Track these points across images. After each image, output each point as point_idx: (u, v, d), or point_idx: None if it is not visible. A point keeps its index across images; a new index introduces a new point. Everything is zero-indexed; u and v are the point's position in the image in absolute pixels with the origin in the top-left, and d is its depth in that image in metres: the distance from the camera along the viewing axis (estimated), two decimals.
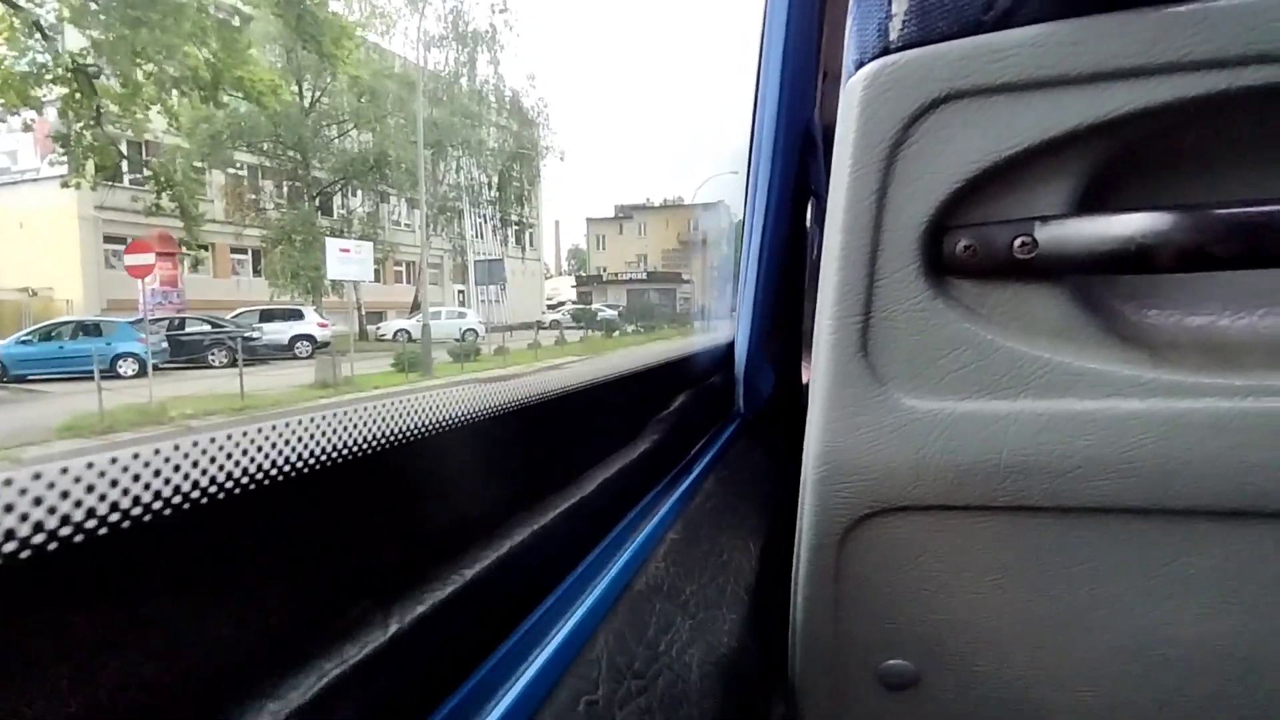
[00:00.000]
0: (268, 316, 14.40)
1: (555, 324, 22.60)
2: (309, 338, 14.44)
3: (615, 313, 25.34)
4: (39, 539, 0.21)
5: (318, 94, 15.78)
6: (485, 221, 22.28)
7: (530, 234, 28.85)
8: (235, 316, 14.42)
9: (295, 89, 15.46)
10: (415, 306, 20.79)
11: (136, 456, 0.25)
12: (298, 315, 14.63)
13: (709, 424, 1.05)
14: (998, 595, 0.56)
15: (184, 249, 12.83)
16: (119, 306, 14.92)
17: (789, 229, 1.26)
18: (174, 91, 11.09)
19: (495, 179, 21.08)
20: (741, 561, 0.65)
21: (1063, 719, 0.57)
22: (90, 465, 0.23)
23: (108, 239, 15.19)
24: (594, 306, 26.66)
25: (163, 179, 11.94)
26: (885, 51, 0.50)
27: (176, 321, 13.20)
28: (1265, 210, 0.46)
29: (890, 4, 0.50)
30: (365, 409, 0.36)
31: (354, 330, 18.84)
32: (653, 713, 0.41)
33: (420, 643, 0.33)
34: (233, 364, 12.33)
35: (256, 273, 16.91)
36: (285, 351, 13.65)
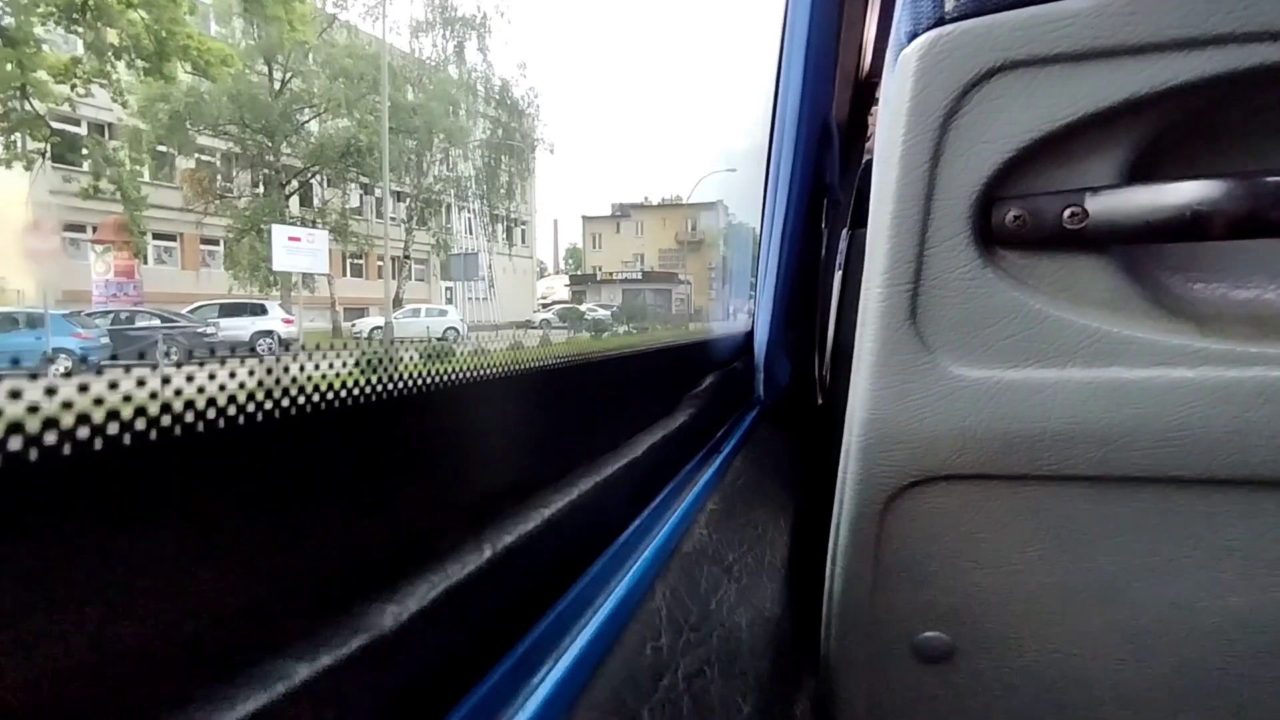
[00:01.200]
0: (228, 311, 13.66)
1: (546, 323, 21.45)
2: (271, 334, 13.63)
3: (607, 313, 24.16)
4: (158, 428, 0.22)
5: (289, 75, 14.50)
6: (474, 216, 21.04)
7: (523, 230, 27.67)
8: (193, 310, 13.23)
9: (264, 69, 14.27)
10: (397, 302, 19.59)
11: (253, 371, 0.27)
12: (261, 310, 13.97)
13: (733, 406, 1.07)
14: (1036, 566, 0.57)
15: (128, 236, 11.62)
16: (77, 298, 13.71)
17: (807, 224, 1.28)
18: (120, 64, 9.89)
19: (482, 171, 19.79)
20: (775, 536, 0.67)
21: (1097, 691, 0.57)
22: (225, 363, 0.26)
23: (67, 226, 13.98)
24: (583, 306, 25.49)
25: (100, 159, 10.71)
26: (940, 22, 0.51)
27: (124, 315, 12.02)
28: None
29: None
30: (473, 356, 0.40)
31: (330, 327, 17.63)
32: (710, 664, 0.42)
33: (510, 570, 0.35)
34: (187, 361, 11.50)
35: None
36: (246, 349, 12.65)
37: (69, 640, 0.20)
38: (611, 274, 31.28)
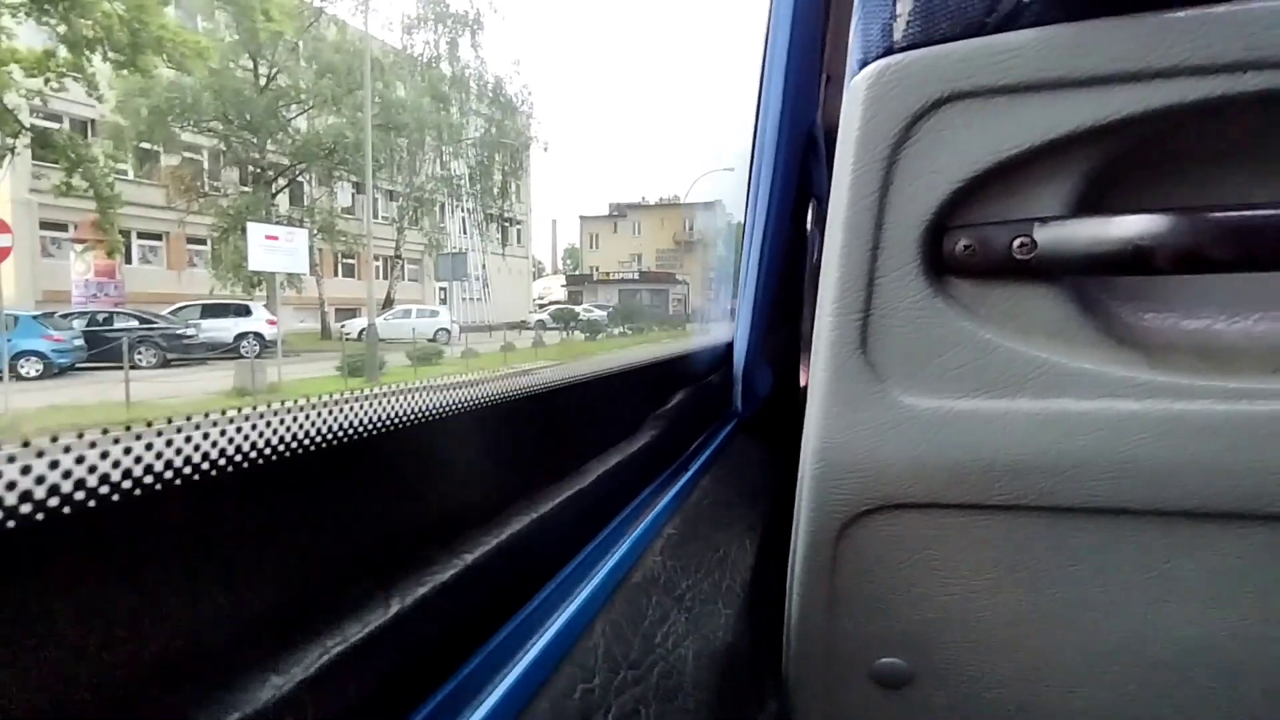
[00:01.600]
0: (210, 312, 13.48)
1: (541, 324, 21.07)
2: (257, 335, 13.31)
3: (604, 313, 23.78)
4: (40, 513, 0.22)
5: (274, 70, 14.10)
6: (468, 215, 20.67)
7: (518, 230, 27.35)
8: (174, 311, 12.90)
9: (250, 65, 13.86)
10: (389, 303, 19.23)
11: (140, 437, 0.26)
12: (244, 311, 13.77)
13: (706, 422, 1.05)
14: (992, 594, 0.57)
15: (102, 235, 11.23)
16: (57, 299, 13.31)
17: (789, 230, 1.27)
18: (94, 56, 9.50)
19: (475, 169, 19.41)
20: (738, 558, 0.66)
21: (1053, 718, 0.58)
22: (94, 444, 0.25)
23: (45, 225, 13.59)
24: (579, 307, 25.16)
25: (72, 155, 10.32)
26: (889, 51, 0.52)
27: (102, 317, 11.65)
28: (1261, 214, 0.48)
29: (895, 4, 0.52)
30: (376, 397, 0.38)
31: (318, 328, 17.24)
32: (647, 703, 0.42)
33: (421, 623, 0.34)
34: (165, 364, 11.44)
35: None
36: (230, 350, 12.65)
37: (57, 648, 0.21)
38: (608, 274, 31.11)
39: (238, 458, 0.29)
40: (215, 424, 0.29)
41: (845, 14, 1.15)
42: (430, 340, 15.84)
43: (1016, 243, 0.51)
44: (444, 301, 24.70)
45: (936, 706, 0.60)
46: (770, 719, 0.64)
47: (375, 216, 20.65)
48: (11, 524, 0.21)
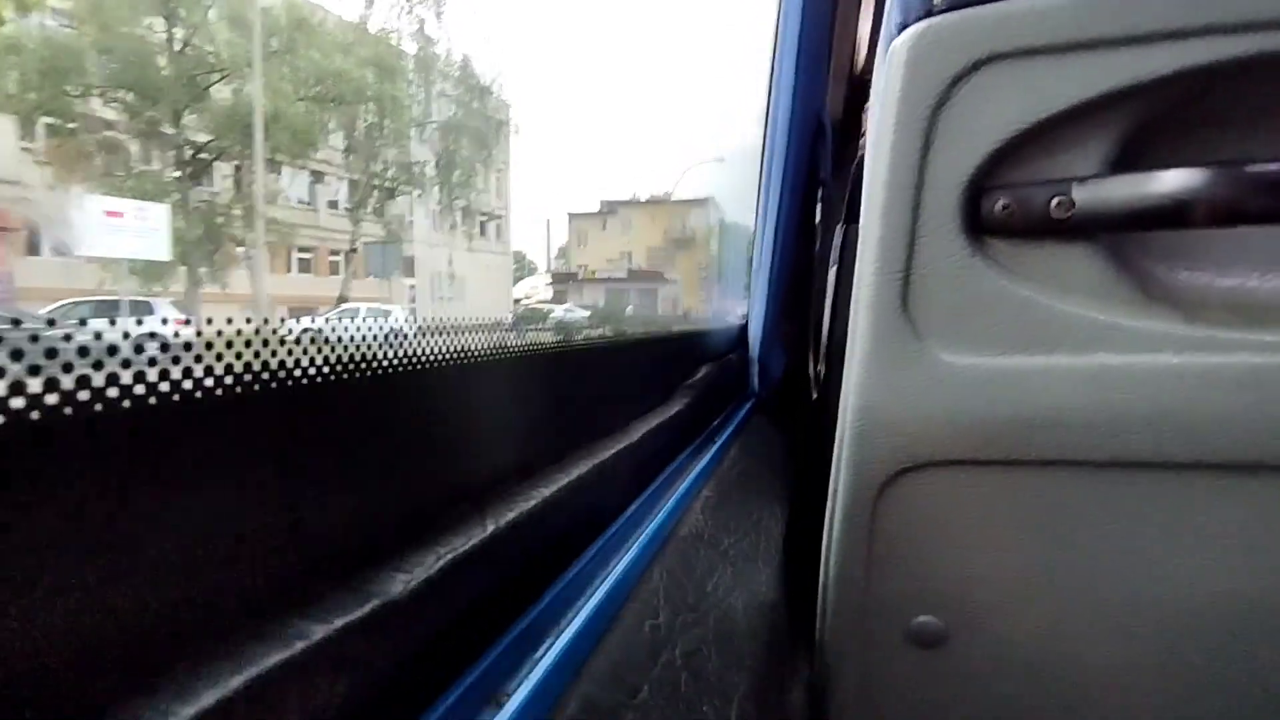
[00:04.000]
0: (105, 310, 10.53)
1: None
2: (157, 338, 10.61)
3: (584, 314, 21.35)
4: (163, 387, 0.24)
5: (190, 32, 11.82)
6: (438, 206, 18.38)
7: (497, 225, 25.04)
8: (56, 309, 10.45)
9: (158, 25, 11.59)
10: (342, 301, 16.88)
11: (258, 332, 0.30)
12: (145, 309, 10.78)
13: (728, 397, 1.09)
14: (1027, 551, 0.59)
15: None
16: None
17: (800, 218, 1.31)
18: None
19: (441, 156, 17.11)
20: (769, 523, 0.69)
21: (1087, 673, 0.59)
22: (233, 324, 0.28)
23: None
24: (560, 307, 22.79)
25: None
26: (929, 14, 0.53)
27: None
28: None
29: None
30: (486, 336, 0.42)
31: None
32: (708, 643, 0.44)
33: (510, 545, 0.37)
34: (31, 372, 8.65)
35: None
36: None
37: (91, 594, 0.21)
38: (594, 272, 28.75)
39: (362, 371, 0.32)
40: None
41: (848, 7, 1.24)
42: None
43: (1054, 202, 0.52)
44: (413, 300, 22.29)
45: (971, 664, 0.61)
46: (804, 679, 0.65)
47: (339, 208, 18.37)
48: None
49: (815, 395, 1.34)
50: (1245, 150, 0.52)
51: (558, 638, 0.36)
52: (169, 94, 12.40)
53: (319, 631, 0.25)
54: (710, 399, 0.88)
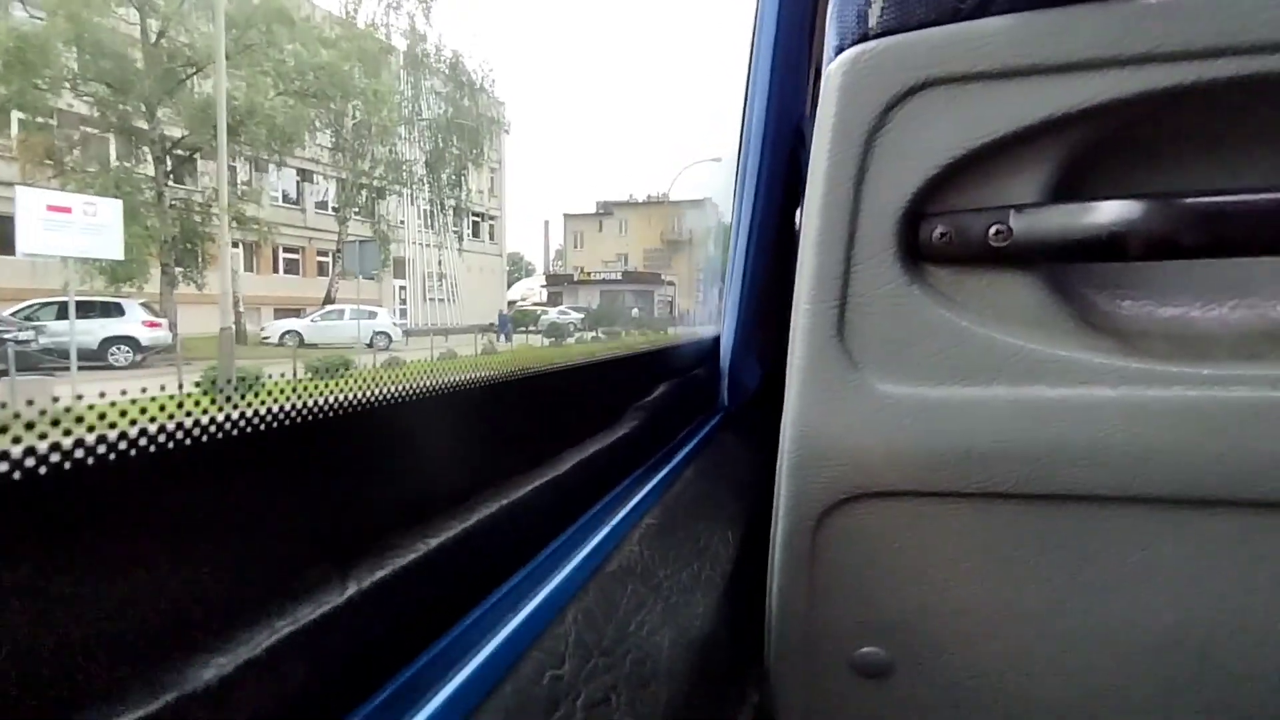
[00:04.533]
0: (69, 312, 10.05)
1: (492, 328, 18.27)
2: (129, 341, 10.65)
3: (577, 316, 20.95)
4: None
5: (166, 23, 11.32)
6: (428, 206, 17.91)
7: (490, 226, 24.63)
8: (19, 311, 10.03)
9: (132, 15, 11.10)
10: (329, 302, 16.44)
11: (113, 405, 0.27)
12: (115, 310, 11.04)
13: (692, 415, 1.05)
14: (970, 583, 0.58)
15: None
16: None
17: (777, 224, 1.26)
18: None
19: (431, 155, 16.64)
20: (719, 549, 0.66)
21: (1034, 708, 0.59)
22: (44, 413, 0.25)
23: None
24: (554, 310, 22.37)
25: None
26: (864, 38, 0.52)
27: None
28: (1234, 200, 0.49)
29: None
30: (348, 375, 0.39)
31: (238, 330, 14.36)
32: (618, 689, 0.42)
33: (379, 608, 0.34)
34: None
35: None
36: (96, 358, 9.88)
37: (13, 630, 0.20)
38: (589, 274, 28.42)
39: (190, 436, 0.29)
40: (163, 406, 0.28)
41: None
42: (368, 345, 13.37)
43: (992, 230, 0.52)
44: (404, 301, 21.80)
45: (918, 696, 0.60)
46: (751, 710, 0.64)
47: (328, 208, 17.88)
48: None
49: None
50: (1183, 181, 0.52)
51: (435, 695, 0.33)
52: (141, 87, 12.00)
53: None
54: (666, 418, 0.86)
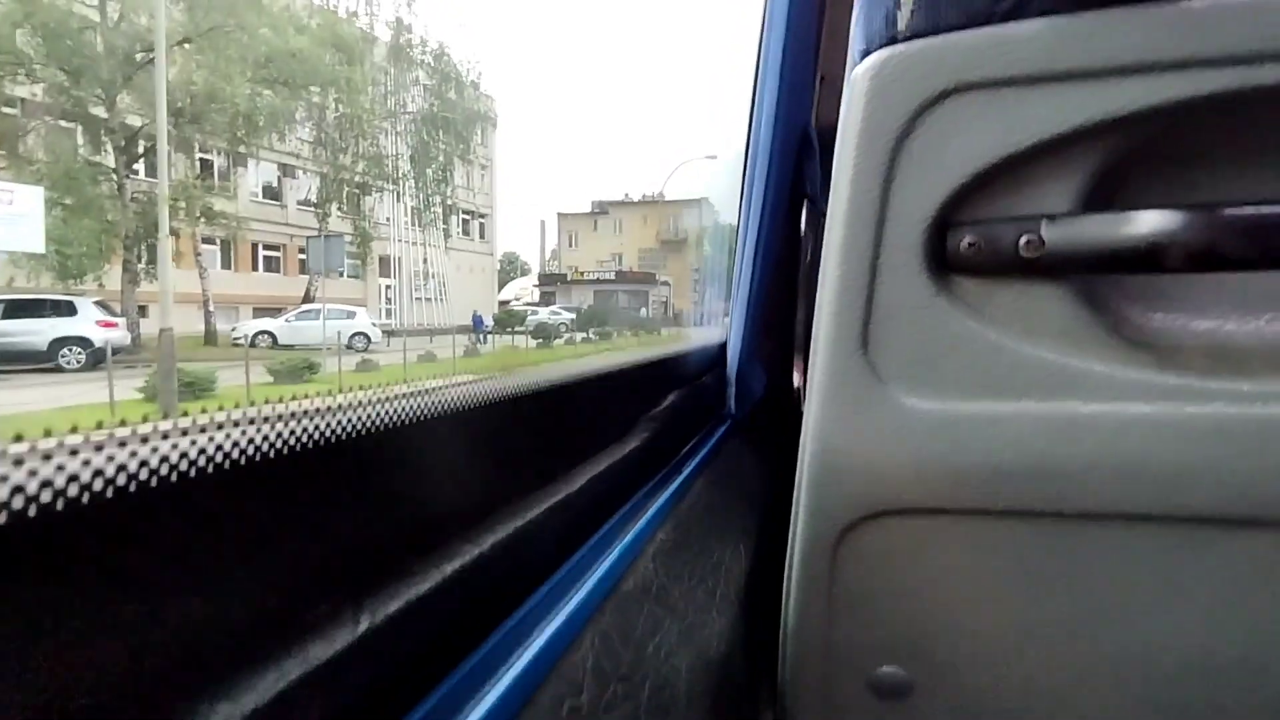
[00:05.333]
0: (17, 310, 9.74)
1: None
2: (81, 341, 9.80)
3: (569, 316, 20.29)
4: None
5: (125, 5, 10.58)
6: (418, 203, 17.24)
7: (481, 224, 24.00)
8: None
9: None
10: (307, 300, 15.77)
11: (95, 437, 0.24)
12: (66, 309, 10.11)
13: (699, 424, 1.03)
14: (995, 602, 0.57)
15: None
16: None
17: (784, 231, 1.24)
18: None
19: (416, 150, 15.93)
20: (732, 564, 0.64)
21: None
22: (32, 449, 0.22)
23: None
24: (546, 309, 21.72)
25: None
26: (893, 41, 0.51)
27: None
28: (1277, 211, 0.48)
29: None
30: (346, 397, 0.36)
31: (208, 330, 13.67)
32: (638, 718, 0.40)
33: (393, 642, 0.32)
34: None
35: None
36: (44, 360, 9.26)
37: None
38: (583, 274, 27.81)
39: (187, 463, 0.26)
40: (165, 433, 0.26)
41: (840, 13, 1.16)
42: (346, 346, 12.70)
43: (1023, 240, 0.50)
44: (390, 301, 21.12)
45: (937, 716, 0.59)
46: None
47: (309, 203, 17.18)
48: None
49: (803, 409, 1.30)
50: (1222, 191, 0.51)
51: None
52: (99, 73, 11.14)
53: None
54: (676, 428, 0.84)
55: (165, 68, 9.08)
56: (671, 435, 0.80)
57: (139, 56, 11.52)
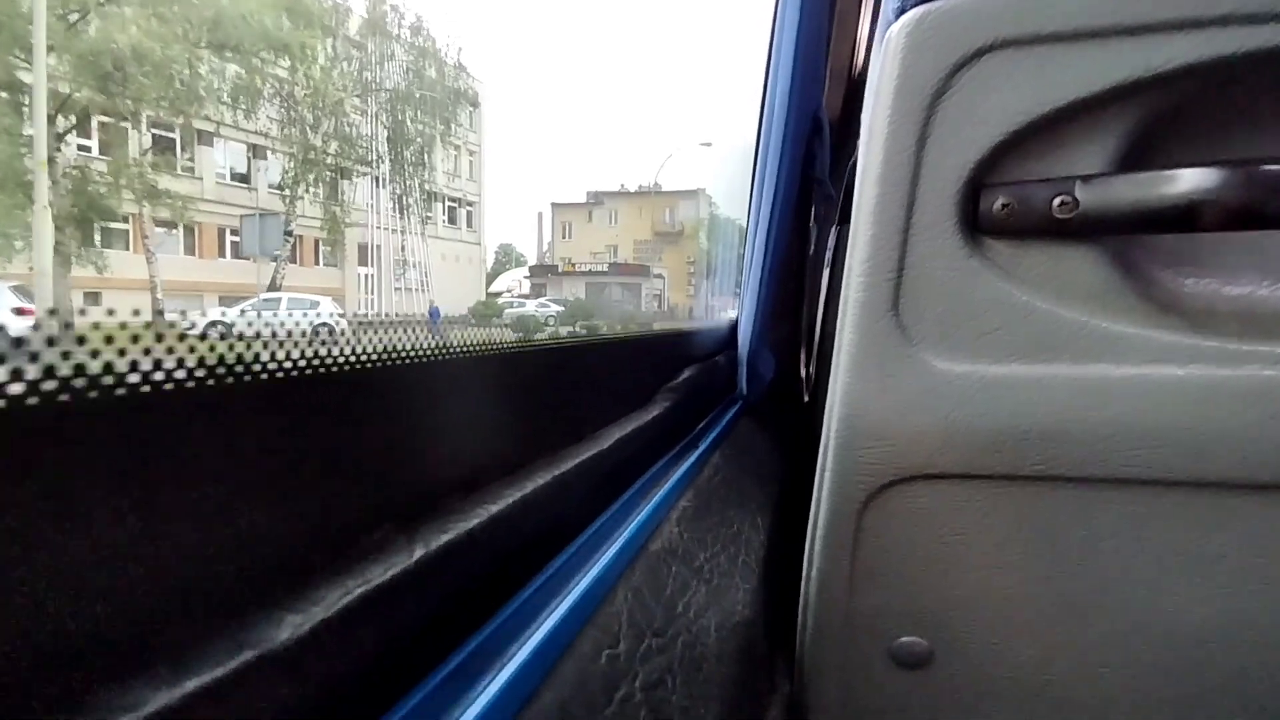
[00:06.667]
0: None
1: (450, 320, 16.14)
2: None
3: (555, 309, 18.91)
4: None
5: None
6: (396, 188, 15.92)
7: (468, 212, 22.67)
8: None
9: None
10: (273, 287, 14.46)
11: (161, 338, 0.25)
12: None
13: (714, 401, 1.04)
14: (1019, 570, 0.57)
15: None
16: None
17: (794, 216, 1.24)
18: None
19: (392, 130, 14.60)
20: (751, 535, 0.65)
21: (1078, 700, 0.57)
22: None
23: None
24: (533, 303, 20.38)
25: None
26: None
27: None
28: None
29: None
30: (409, 334, 0.38)
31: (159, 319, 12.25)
32: (673, 672, 0.41)
33: (445, 574, 0.33)
34: None
35: None
36: None
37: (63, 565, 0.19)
38: (575, 265, 26.48)
39: (255, 375, 0.27)
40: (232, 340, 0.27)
41: (849, 6, 1.22)
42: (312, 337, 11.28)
43: (1057, 201, 0.50)
44: (369, 291, 19.81)
45: (957, 686, 0.59)
46: (783, 699, 0.63)
47: (281, 188, 15.87)
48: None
49: (806, 398, 1.27)
50: (1262, 149, 0.50)
51: (498, 673, 0.32)
52: (25, 33, 9.73)
53: (183, 689, 0.20)
54: (694, 402, 0.84)
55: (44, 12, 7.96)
56: (689, 409, 0.80)
57: (69, 16, 10.33)
